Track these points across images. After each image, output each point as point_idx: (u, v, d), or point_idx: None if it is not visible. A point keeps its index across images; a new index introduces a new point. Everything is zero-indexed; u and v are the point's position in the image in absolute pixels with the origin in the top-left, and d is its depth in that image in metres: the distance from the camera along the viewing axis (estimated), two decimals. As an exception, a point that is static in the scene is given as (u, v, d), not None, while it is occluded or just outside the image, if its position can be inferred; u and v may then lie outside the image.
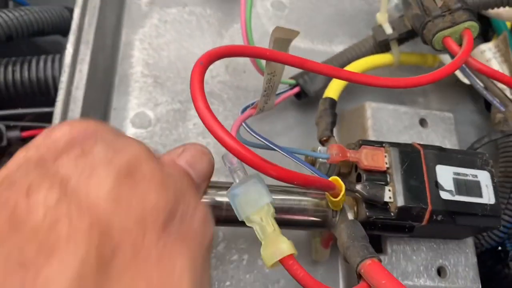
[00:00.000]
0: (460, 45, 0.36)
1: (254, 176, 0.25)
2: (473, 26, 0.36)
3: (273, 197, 0.26)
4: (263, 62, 0.35)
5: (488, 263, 0.44)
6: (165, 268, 0.16)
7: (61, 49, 0.49)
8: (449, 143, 0.38)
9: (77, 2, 0.35)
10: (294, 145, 0.40)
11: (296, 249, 0.24)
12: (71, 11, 0.45)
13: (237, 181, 0.25)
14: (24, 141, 0.43)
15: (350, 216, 0.30)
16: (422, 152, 0.31)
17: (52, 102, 0.52)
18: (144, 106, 0.39)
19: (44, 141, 0.18)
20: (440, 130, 0.39)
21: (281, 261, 0.24)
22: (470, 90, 0.46)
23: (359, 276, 0.26)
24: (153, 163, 0.18)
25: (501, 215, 0.32)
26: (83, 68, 0.33)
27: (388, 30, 0.40)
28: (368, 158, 0.30)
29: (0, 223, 0.15)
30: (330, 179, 0.27)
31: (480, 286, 0.34)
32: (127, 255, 0.15)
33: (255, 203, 0.24)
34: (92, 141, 0.18)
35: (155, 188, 0.17)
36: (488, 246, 0.41)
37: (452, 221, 0.31)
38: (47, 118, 0.49)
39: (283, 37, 0.27)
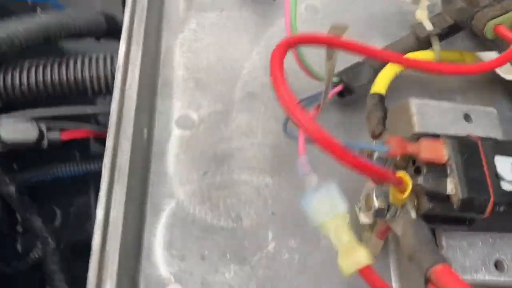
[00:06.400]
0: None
1: (330, 184, 0.24)
2: (526, 13, 0.36)
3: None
4: (311, 64, 0.35)
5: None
6: None
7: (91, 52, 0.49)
8: (496, 137, 0.38)
9: (126, 2, 0.35)
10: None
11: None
12: (106, 16, 0.45)
13: (309, 187, 0.24)
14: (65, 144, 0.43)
15: (413, 213, 0.29)
16: (480, 143, 0.31)
17: (87, 102, 0.53)
18: (187, 109, 0.39)
19: None
20: (485, 125, 0.38)
21: (360, 271, 0.23)
22: (507, 88, 0.46)
23: (427, 280, 0.26)
24: None
25: None
26: (135, 70, 0.33)
27: (429, 26, 0.40)
28: (427, 151, 0.30)
29: None
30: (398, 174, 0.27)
31: (541, 280, 0.34)
32: None
33: (331, 211, 0.23)
34: None
35: None
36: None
37: (515, 213, 0.30)
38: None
39: (338, 32, 0.28)
